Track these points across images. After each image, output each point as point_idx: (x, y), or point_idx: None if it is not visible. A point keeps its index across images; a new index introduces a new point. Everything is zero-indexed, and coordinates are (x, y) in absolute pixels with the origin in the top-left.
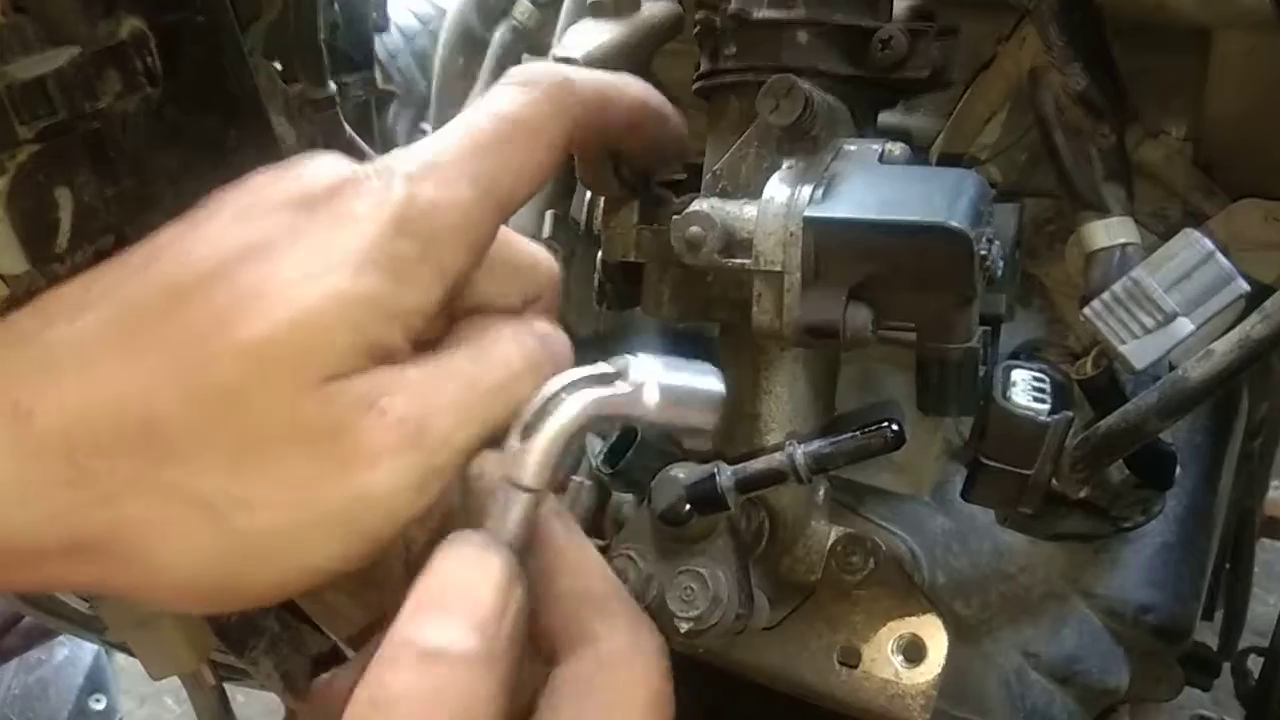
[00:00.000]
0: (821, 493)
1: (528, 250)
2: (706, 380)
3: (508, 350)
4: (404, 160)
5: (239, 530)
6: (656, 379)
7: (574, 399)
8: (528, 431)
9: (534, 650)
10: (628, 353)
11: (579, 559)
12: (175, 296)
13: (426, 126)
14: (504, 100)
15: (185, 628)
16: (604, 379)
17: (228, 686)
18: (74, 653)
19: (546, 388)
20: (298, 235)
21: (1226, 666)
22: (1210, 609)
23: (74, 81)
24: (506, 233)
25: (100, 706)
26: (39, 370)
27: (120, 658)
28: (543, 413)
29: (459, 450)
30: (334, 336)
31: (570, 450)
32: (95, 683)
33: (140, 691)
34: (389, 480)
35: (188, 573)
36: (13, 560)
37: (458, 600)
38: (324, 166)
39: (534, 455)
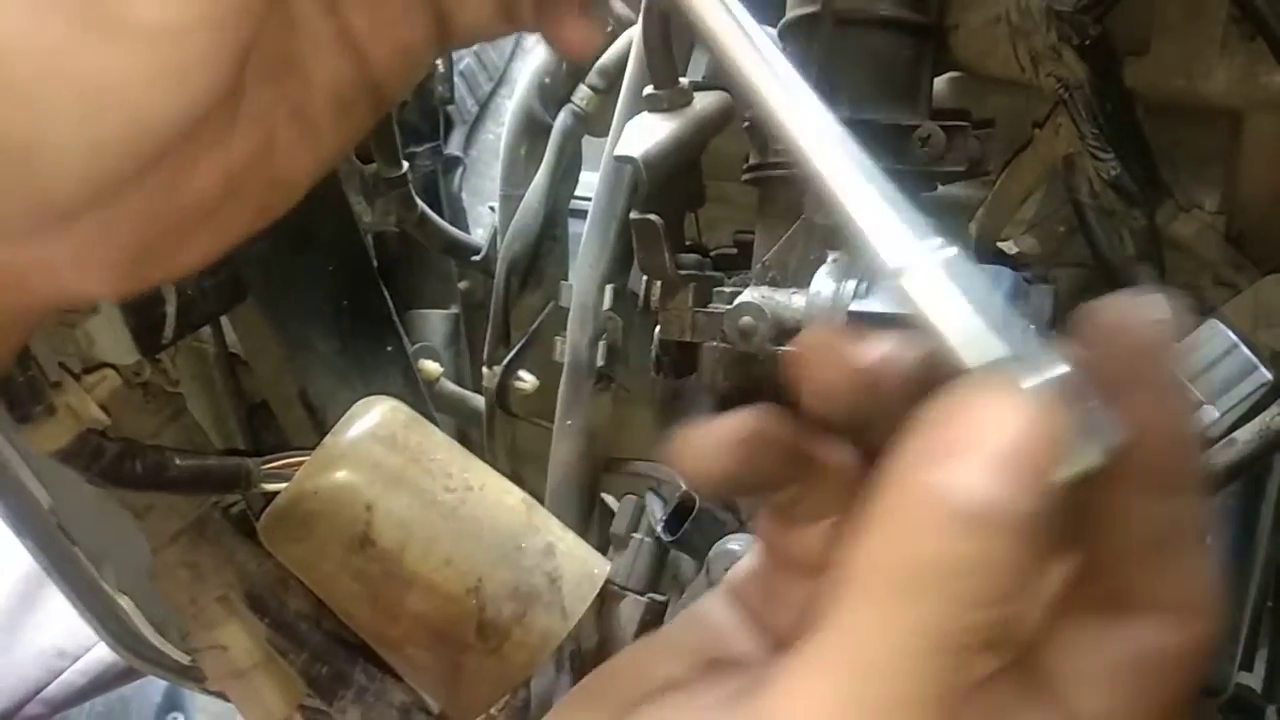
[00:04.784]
0: None
1: None
2: None
3: None
4: None
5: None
6: None
7: None
8: None
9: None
10: None
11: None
12: None
13: (493, 205)
14: None
15: (278, 678)
16: None
17: None
18: None
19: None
20: None
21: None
22: (1250, 660)
23: None
24: None
25: None
26: None
27: None
28: None
29: None
30: None
31: None
32: (172, 701)
33: (215, 710)
34: None
35: None
36: None
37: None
38: None
39: None
